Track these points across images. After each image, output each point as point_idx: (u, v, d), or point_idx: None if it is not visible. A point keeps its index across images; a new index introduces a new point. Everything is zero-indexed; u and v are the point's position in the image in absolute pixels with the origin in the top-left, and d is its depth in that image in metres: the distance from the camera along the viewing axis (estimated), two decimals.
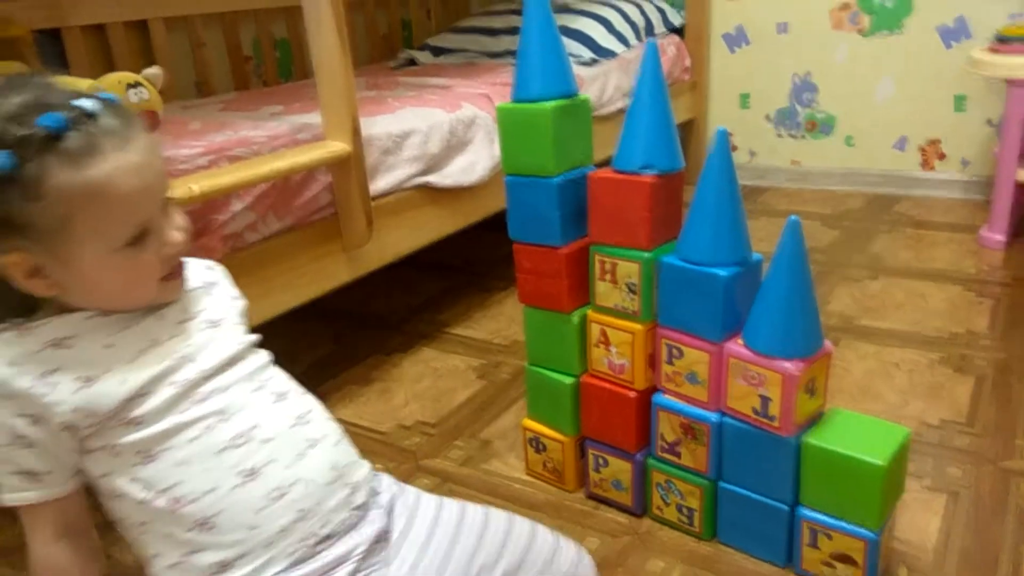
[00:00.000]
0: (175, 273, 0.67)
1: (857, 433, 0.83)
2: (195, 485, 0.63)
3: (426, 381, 1.44)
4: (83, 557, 0.67)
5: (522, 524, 0.77)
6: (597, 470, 1.04)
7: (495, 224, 1.78)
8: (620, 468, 1.01)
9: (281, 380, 0.72)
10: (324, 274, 1.28)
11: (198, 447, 0.64)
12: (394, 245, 1.41)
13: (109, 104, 0.61)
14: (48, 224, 0.58)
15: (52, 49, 1.79)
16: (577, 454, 1.07)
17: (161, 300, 0.67)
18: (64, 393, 0.61)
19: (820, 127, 2.40)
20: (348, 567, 0.66)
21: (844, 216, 2.17)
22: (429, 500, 0.76)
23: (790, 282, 0.80)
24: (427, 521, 0.73)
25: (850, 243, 1.96)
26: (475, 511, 0.76)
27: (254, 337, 0.73)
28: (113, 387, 0.62)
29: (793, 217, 0.78)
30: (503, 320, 1.69)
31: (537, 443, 1.10)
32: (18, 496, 0.63)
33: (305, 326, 1.70)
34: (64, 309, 0.64)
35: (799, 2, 2.31)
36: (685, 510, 0.97)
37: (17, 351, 0.61)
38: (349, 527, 0.68)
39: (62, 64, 1.79)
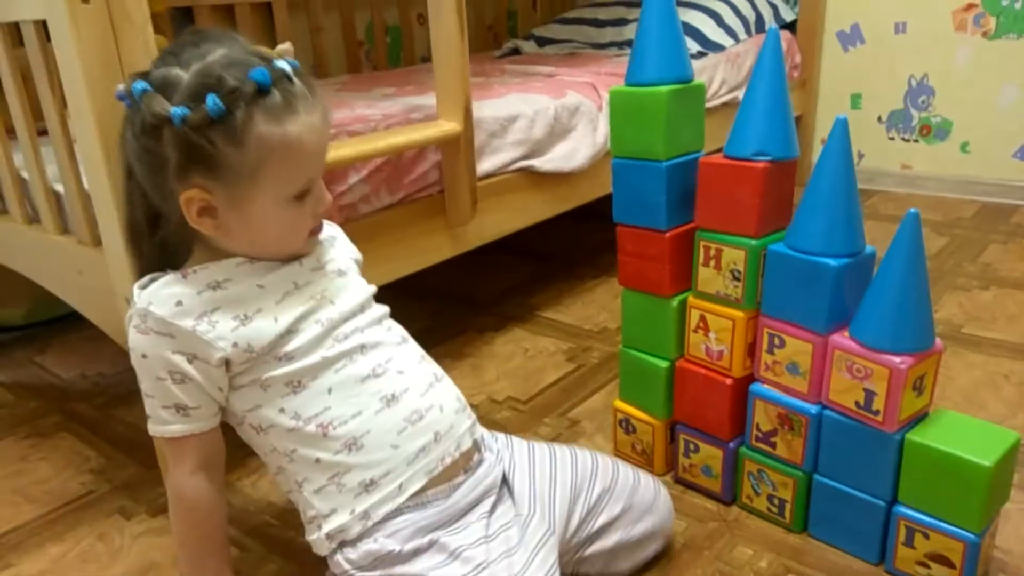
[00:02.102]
0: (318, 228, 0.73)
1: (963, 434, 0.82)
2: (342, 410, 0.69)
3: (517, 360, 1.47)
4: (216, 489, 0.73)
5: (604, 456, 0.86)
6: (687, 455, 1.04)
7: (588, 214, 1.80)
8: (711, 455, 1.01)
9: (400, 328, 0.79)
10: (428, 248, 1.33)
11: (343, 376, 0.69)
12: (495, 225, 1.45)
13: (297, 69, 0.66)
14: (240, 168, 0.64)
15: (184, 25, 1.91)
16: (667, 438, 1.08)
17: (303, 251, 0.73)
18: (224, 330, 0.66)
19: (935, 132, 2.31)
20: (491, 498, 0.75)
21: (955, 224, 2.08)
22: (519, 440, 0.84)
23: (905, 275, 0.78)
24: (524, 455, 0.81)
25: (961, 251, 1.88)
26: (560, 447, 0.85)
27: (374, 288, 0.80)
28: (267, 324, 0.67)
29: (913, 210, 0.77)
30: (593, 307, 1.70)
31: (627, 424, 1.11)
32: (167, 428, 0.69)
33: (404, 301, 1.75)
34: (212, 258, 0.70)
35: (919, 2, 2.22)
36: (776, 501, 0.96)
37: (180, 292, 0.67)
38: (478, 463, 0.74)
39: None
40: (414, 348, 0.79)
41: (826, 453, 0.90)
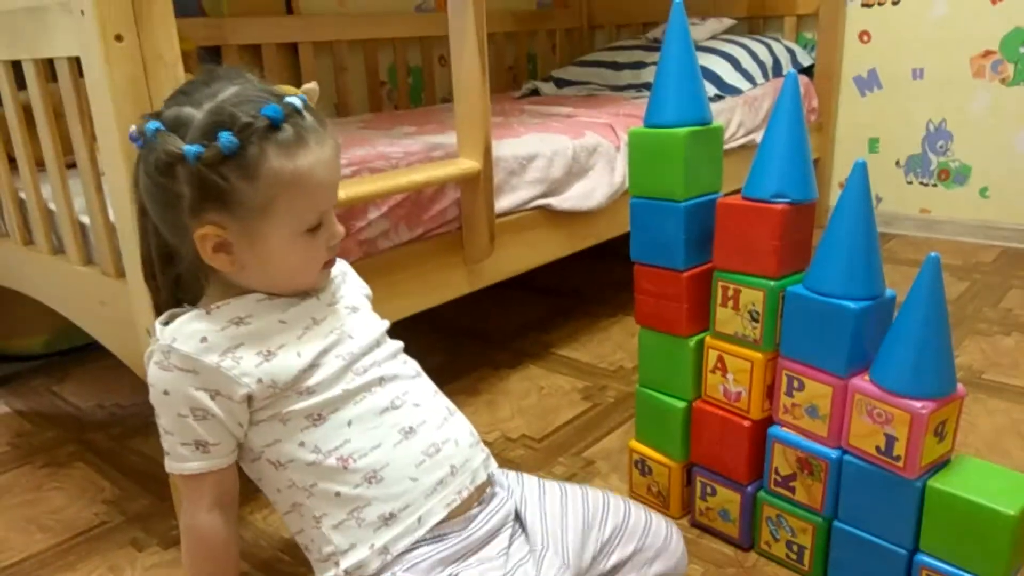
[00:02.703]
0: (330, 262, 0.74)
1: (986, 481, 0.80)
2: (362, 443, 0.69)
3: (532, 397, 1.46)
4: (231, 526, 0.73)
5: (615, 495, 0.85)
6: (704, 498, 1.03)
7: (604, 252, 1.80)
8: (729, 498, 1.00)
9: (414, 362, 0.80)
10: (446, 284, 1.34)
11: (362, 408, 0.69)
12: (512, 262, 1.45)
13: (306, 104, 0.68)
14: (253, 203, 0.65)
15: (212, 63, 1.96)
16: (684, 480, 1.06)
17: (316, 285, 0.74)
18: (248, 366, 0.66)
19: (953, 176, 2.30)
20: (508, 530, 0.74)
21: (975, 268, 2.07)
22: (529, 476, 0.84)
23: (926, 319, 0.78)
24: (534, 491, 0.81)
25: (981, 296, 1.86)
26: (572, 486, 0.84)
27: (388, 323, 0.80)
28: (291, 359, 0.68)
29: (933, 254, 0.77)
30: (609, 345, 1.70)
31: (643, 466, 1.10)
32: (186, 465, 0.69)
33: (420, 336, 1.76)
34: (227, 294, 0.71)
35: (937, 48, 2.24)
36: (795, 547, 0.94)
37: (204, 328, 0.67)
38: (491, 496, 0.73)
39: None
40: (428, 382, 0.79)
41: (846, 499, 0.88)
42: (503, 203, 1.42)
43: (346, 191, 1.06)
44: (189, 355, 0.66)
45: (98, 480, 1.25)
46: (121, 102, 0.85)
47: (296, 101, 0.66)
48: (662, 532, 0.85)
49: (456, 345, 1.75)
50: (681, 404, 1.03)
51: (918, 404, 0.79)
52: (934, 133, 2.31)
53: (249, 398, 0.67)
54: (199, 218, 0.65)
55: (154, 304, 0.75)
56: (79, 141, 1.00)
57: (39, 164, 1.14)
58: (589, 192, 1.60)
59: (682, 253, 0.97)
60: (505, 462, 1.23)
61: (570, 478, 1.19)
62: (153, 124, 0.64)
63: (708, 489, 1.02)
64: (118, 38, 0.84)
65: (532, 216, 1.50)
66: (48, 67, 1.02)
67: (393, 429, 0.70)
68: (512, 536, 0.76)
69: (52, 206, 1.14)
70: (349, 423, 0.69)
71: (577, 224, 1.60)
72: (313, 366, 0.69)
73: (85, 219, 1.08)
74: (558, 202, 1.54)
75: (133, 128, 0.66)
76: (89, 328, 1.14)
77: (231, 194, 0.64)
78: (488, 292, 1.47)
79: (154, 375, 0.67)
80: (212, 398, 0.66)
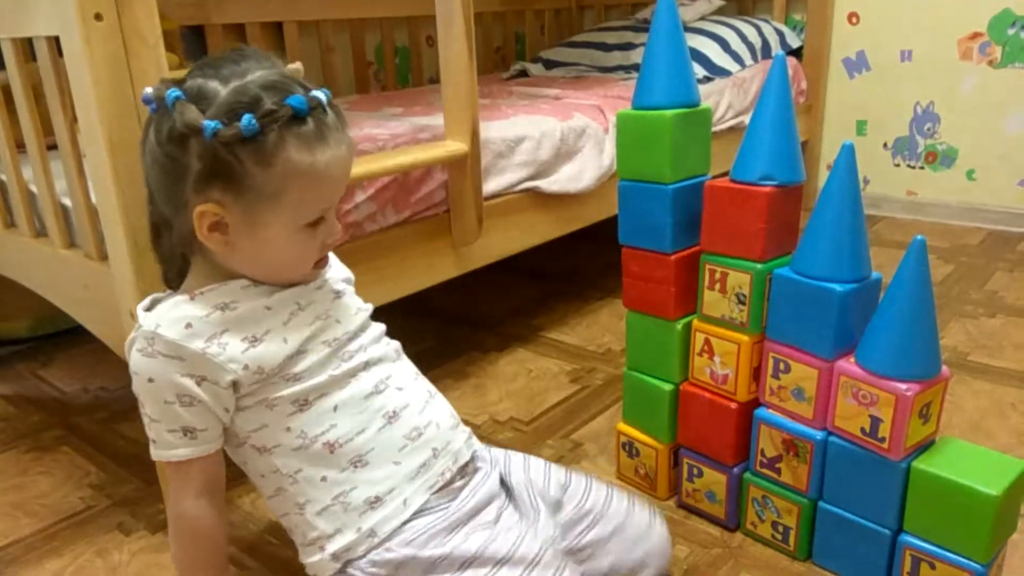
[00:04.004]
0: (323, 261, 0.73)
1: (970, 462, 0.81)
2: (347, 427, 0.69)
3: (520, 381, 1.46)
4: (219, 512, 0.72)
5: (599, 481, 0.85)
6: (691, 480, 1.04)
7: (593, 234, 1.80)
8: (715, 480, 1.00)
9: (395, 344, 0.80)
10: (433, 268, 1.33)
11: (348, 394, 0.69)
12: (500, 245, 1.45)
13: (330, 101, 0.67)
14: (262, 189, 0.64)
15: (195, 44, 1.93)
16: (671, 462, 1.07)
17: (305, 281, 0.73)
18: (234, 352, 0.66)
19: (940, 159, 2.31)
20: (498, 503, 0.75)
21: (961, 251, 2.08)
22: (514, 453, 0.85)
23: (911, 301, 0.78)
24: (519, 464, 0.82)
25: (967, 279, 1.88)
26: (556, 465, 0.85)
27: (371, 306, 0.80)
28: (277, 346, 0.67)
29: (919, 237, 0.77)
30: (597, 328, 1.70)
31: (630, 448, 1.10)
32: (174, 452, 0.68)
33: (408, 321, 1.76)
34: (210, 277, 0.70)
35: (925, 30, 2.24)
36: (780, 527, 0.95)
37: (189, 314, 0.66)
38: (475, 470, 0.74)
39: (203, 57, 1.93)
40: (409, 364, 0.79)
41: (831, 480, 0.89)
42: (491, 186, 1.41)
43: None
44: (174, 341, 0.65)
45: (84, 464, 1.24)
46: (101, 82, 0.84)
47: (321, 96, 0.65)
48: (644, 518, 0.85)
49: (444, 329, 1.74)
50: (668, 387, 1.03)
51: (903, 386, 0.79)
52: (922, 115, 2.31)
53: (235, 384, 0.67)
54: (202, 194, 0.64)
55: (163, 275, 0.75)
56: (59, 122, 0.98)
57: (19, 146, 1.12)
58: (577, 175, 1.59)
59: (670, 236, 0.97)
60: (493, 444, 1.23)
61: (558, 460, 1.20)
62: (175, 92, 0.63)
63: (695, 471, 1.03)
64: (98, 17, 0.82)
65: (520, 199, 1.49)
66: (27, 47, 1.00)
67: (377, 414, 0.70)
68: (500, 507, 0.76)
69: (33, 188, 1.13)
70: (335, 408, 0.69)
71: (565, 207, 1.60)
72: (299, 352, 0.68)
73: (67, 201, 1.06)
74: (546, 184, 1.53)
75: (149, 91, 0.65)
76: (72, 312, 1.13)
77: (242, 176, 0.63)
78: (476, 275, 1.46)
79: (138, 362, 0.67)
80: (198, 384, 0.66)
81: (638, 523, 0.84)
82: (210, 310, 0.67)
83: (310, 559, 0.72)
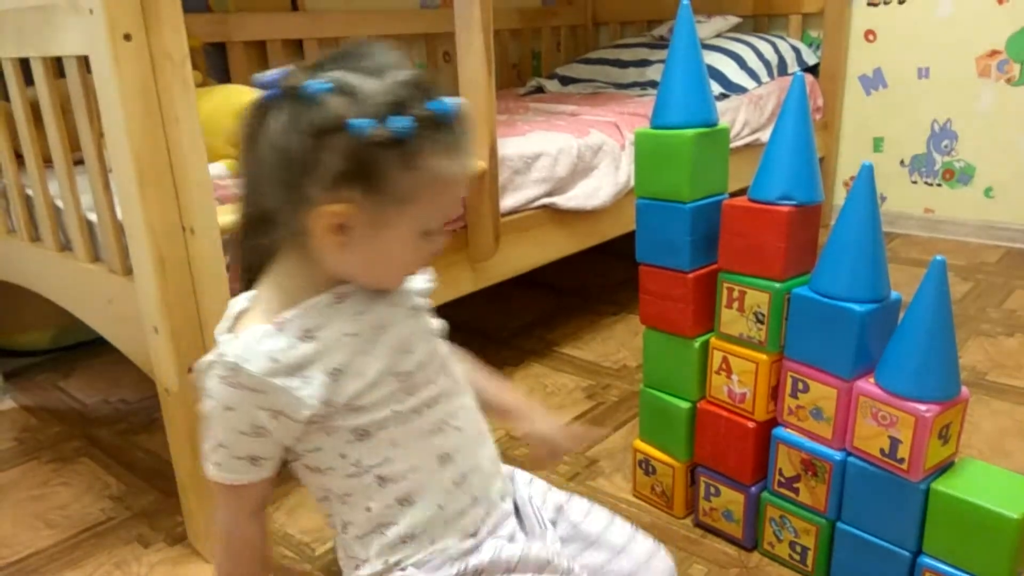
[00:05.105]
0: (419, 271, 0.71)
1: (990, 484, 0.80)
2: (402, 465, 0.67)
3: (535, 396, 1.47)
4: (265, 532, 0.72)
5: (601, 508, 0.82)
6: (708, 499, 1.03)
7: (609, 250, 1.81)
8: (732, 499, 1.00)
9: (459, 367, 0.76)
10: (451, 283, 1.34)
11: (408, 431, 0.67)
12: (517, 260, 1.46)
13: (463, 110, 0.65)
14: (399, 192, 0.61)
15: (217, 60, 1.96)
16: (688, 480, 1.07)
17: (394, 287, 0.70)
18: (315, 388, 0.63)
19: (958, 176, 2.30)
20: (518, 541, 0.74)
21: (979, 269, 2.06)
22: (519, 471, 0.82)
23: (931, 323, 0.78)
24: (524, 481, 0.81)
25: (985, 297, 1.86)
26: (556, 489, 0.82)
27: (443, 326, 0.76)
28: (353, 380, 0.65)
29: (939, 257, 0.77)
30: (612, 344, 1.70)
31: (647, 465, 1.10)
32: (235, 476, 0.66)
33: None
34: (294, 278, 0.66)
35: (943, 47, 2.24)
36: (798, 548, 0.95)
37: (274, 348, 0.63)
38: (503, 515, 0.74)
39: (225, 73, 1.95)
40: (470, 397, 0.75)
41: (850, 501, 0.89)
42: (508, 202, 1.42)
43: None
44: (259, 376, 0.62)
45: (104, 476, 1.26)
46: (129, 101, 0.86)
47: (460, 103, 0.63)
48: (644, 552, 0.80)
49: (459, 343, 1.74)
50: (686, 404, 1.03)
51: (923, 407, 0.79)
52: (939, 133, 2.30)
53: (309, 418, 0.64)
54: (334, 193, 0.60)
55: (238, 275, 0.70)
56: (87, 139, 1.00)
57: (46, 161, 1.15)
58: (594, 191, 1.60)
59: (688, 254, 0.98)
60: (508, 460, 1.22)
61: (573, 477, 1.20)
62: (321, 83, 0.58)
63: (712, 489, 1.02)
64: (127, 37, 0.84)
65: (537, 215, 1.50)
66: (56, 64, 1.02)
67: (433, 455, 0.69)
68: (514, 531, 0.76)
69: (59, 203, 1.15)
70: (393, 443, 0.67)
71: (582, 223, 1.60)
72: (371, 385, 0.66)
73: (92, 216, 1.08)
74: (563, 201, 1.54)
75: (273, 75, 0.61)
76: (96, 325, 1.14)
77: (381, 179, 0.60)
78: (492, 290, 1.47)
79: (217, 390, 0.64)
80: (274, 418, 0.64)
81: (636, 555, 0.79)
82: (294, 342, 0.63)
83: (346, 571, 0.73)
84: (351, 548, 0.71)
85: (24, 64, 1.08)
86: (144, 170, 0.87)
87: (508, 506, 0.77)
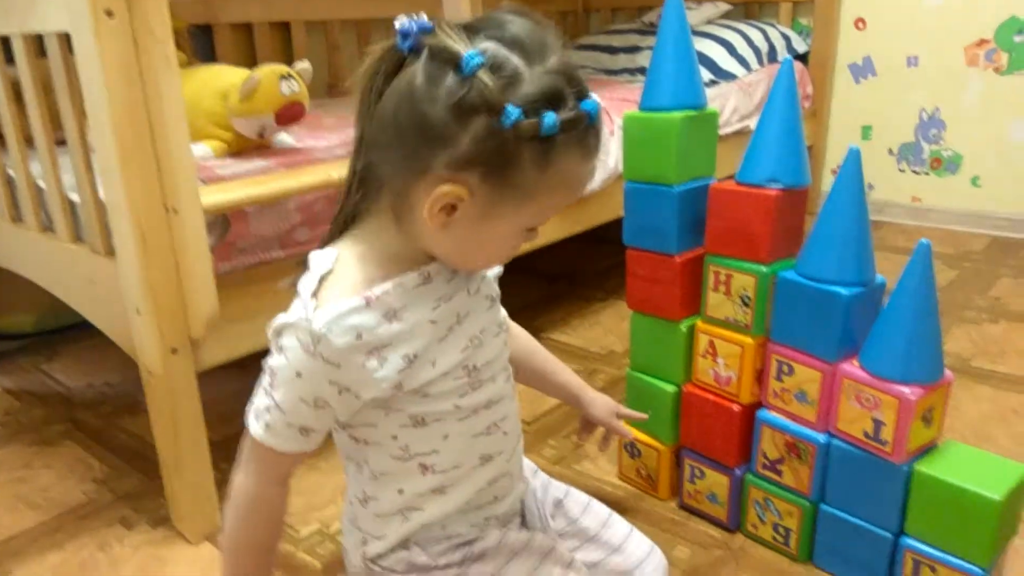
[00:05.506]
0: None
1: (972, 466, 0.81)
2: (448, 459, 0.66)
3: None
4: (286, 500, 0.70)
5: (599, 504, 0.82)
6: (692, 481, 1.04)
7: (597, 236, 1.80)
8: (717, 481, 1.01)
9: (517, 345, 0.78)
10: None
11: (462, 428, 0.66)
12: None
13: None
14: (525, 187, 0.57)
15: (203, 42, 1.94)
16: (673, 463, 1.07)
17: (478, 272, 0.69)
18: (391, 371, 0.61)
19: (945, 165, 2.31)
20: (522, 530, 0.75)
21: (965, 257, 2.08)
22: (542, 475, 0.83)
23: (916, 306, 0.78)
24: (528, 472, 0.80)
25: (970, 284, 1.88)
26: (557, 482, 0.83)
27: (508, 322, 0.74)
28: (427, 367, 0.63)
29: (924, 240, 0.77)
30: (600, 330, 1.70)
31: (633, 448, 1.11)
32: (281, 443, 0.63)
33: None
34: (382, 241, 0.63)
35: (932, 36, 2.24)
36: (781, 530, 0.95)
37: (361, 323, 0.60)
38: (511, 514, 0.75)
39: (211, 56, 1.93)
40: (515, 400, 0.74)
41: (833, 483, 0.89)
42: None
43: (338, 171, 1.05)
44: (342, 350, 0.59)
45: (87, 459, 1.25)
46: (111, 78, 0.84)
47: (599, 101, 0.58)
48: (640, 553, 0.80)
49: None
50: (671, 388, 1.03)
51: (906, 389, 0.79)
52: (927, 121, 2.31)
53: (375, 399, 0.63)
54: (457, 173, 0.56)
55: (331, 229, 0.66)
56: (68, 117, 0.99)
57: (28, 141, 1.13)
58: None
59: (675, 237, 0.98)
60: None
61: (560, 461, 1.20)
62: (478, 56, 0.53)
63: (697, 472, 1.03)
64: (108, 13, 0.83)
65: None
66: (37, 42, 1.00)
67: (476, 454, 0.68)
68: (517, 524, 0.76)
69: (41, 183, 1.13)
70: (445, 437, 0.66)
71: (571, 208, 1.60)
72: (443, 375, 0.64)
73: (74, 196, 1.07)
74: None
75: (411, 24, 0.56)
76: (78, 306, 1.13)
77: (513, 172, 0.56)
78: None
79: (294, 352, 0.60)
80: (340, 393, 0.62)
81: (632, 554, 0.79)
82: (380, 320, 0.61)
83: (349, 541, 0.72)
84: (365, 522, 0.70)
85: (5, 43, 1.06)
86: (126, 148, 0.86)
87: (519, 504, 0.77)
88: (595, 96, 0.57)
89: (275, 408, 0.62)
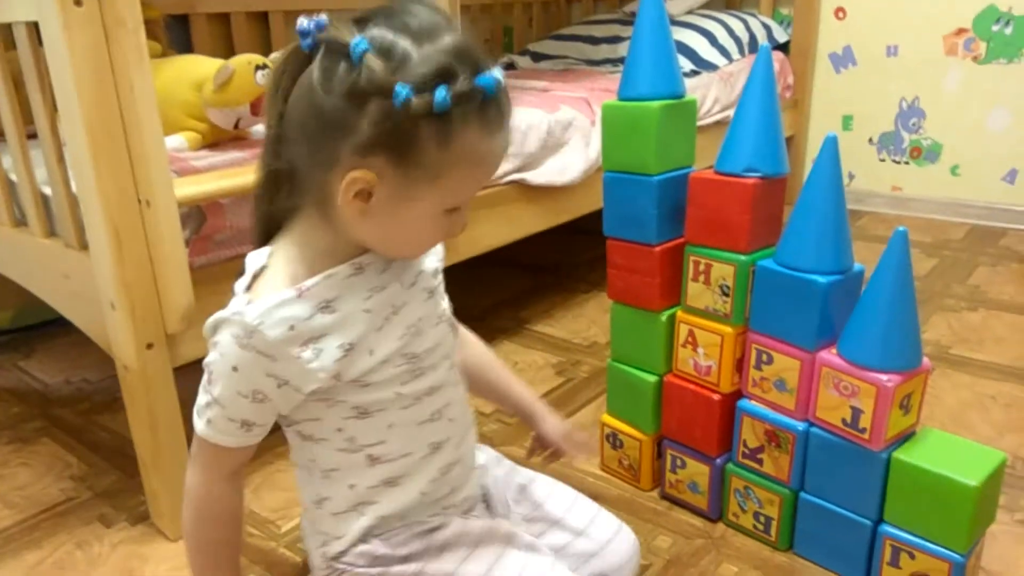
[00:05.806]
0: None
1: (950, 453, 0.81)
2: (395, 448, 0.67)
3: None
4: (240, 494, 0.70)
5: (564, 487, 0.83)
6: (674, 471, 1.04)
7: (581, 227, 1.80)
8: (698, 471, 1.01)
9: (466, 352, 0.78)
10: None
11: (406, 416, 0.67)
12: (486, 237, 1.45)
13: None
14: (430, 166, 0.57)
15: (179, 33, 1.91)
16: (654, 453, 1.07)
17: (411, 259, 0.68)
18: (327, 361, 0.61)
19: (925, 154, 2.32)
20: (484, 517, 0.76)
21: (944, 245, 2.09)
22: (488, 448, 0.85)
23: (893, 293, 0.79)
24: (493, 460, 0.83)
25: (949, 273, 1.89)
26: (524, 468, 0.84)
27: (450, 310, 0.74)
28: (364, 356, 0.63)
29: (901, 228, 0.78)
30: (584, 321, 1.70)
31: (614, 439, 1.11)
32: (223, 438, 0.64)
33: None
34: (312, 239, 0.64)
35: (911, 26, 2.25)
36: (762, 518, 0.96)
37: (293, 315, 0.60)
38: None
39: (187, 47, 1.91)
40: (463, 387, 0.75)
41: (813, 471, 0.89)
42: None
43: None
44: (275, 342, 0.60)
45: (65, 456, 1.23)
46: (81, 69, 0.83)
47: (501, 75, 0.58)
48: (606, 533, 0.80)
49: None
50: (652, 378, 1.03)
51: (884, 377, 0.80)
52: (907, 111, 2.32)
53: (314, 391, 0.63)
54: (363, 159, 0.57)
55: (255, 231, 0.67)
56: (39, 110, 0.97)
57: None
58: (564, 167, 1.59)
59: (655, 227, 0.97)
60: (478, 437, 1.23)
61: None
62: (363, 42, 0.54)
63: (678, 462, 1.03)
64: (77, 2, 0.81)
65: (507, 191, 1.49)
66: (6, 33, 0.98)
67: (425, 442, 0.68)
68: (480, 512, 0.76)
69: (13, 177, 1.11)
70: (390, 426, 0.66)
71: (552, 199, 1.59)
72: (382, 363, 0.65)
73: (47, 190, 1.05)
74: (533, 176, 1.53)
75: (308, 23, 0.57)
76: (53, 302, 1.11)
77: (414, 151, 0.56)
78: (462, 268, 1.46)
79: (228, 347, 0.61)
80: (279, 386, 0.62)
81: (597, 537, 0.79)
82: (313, 311, 0.61)
83: (311, 544, 0.72)
84: (323, 523, 0.70)
85: None
86: (97, 140, 0.85)
87: (479, 491, 0.78)
88: (496, 72, 0.57)
89: (215, 403, 0.63)
